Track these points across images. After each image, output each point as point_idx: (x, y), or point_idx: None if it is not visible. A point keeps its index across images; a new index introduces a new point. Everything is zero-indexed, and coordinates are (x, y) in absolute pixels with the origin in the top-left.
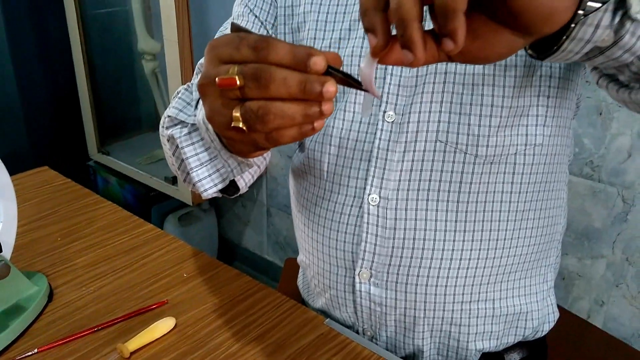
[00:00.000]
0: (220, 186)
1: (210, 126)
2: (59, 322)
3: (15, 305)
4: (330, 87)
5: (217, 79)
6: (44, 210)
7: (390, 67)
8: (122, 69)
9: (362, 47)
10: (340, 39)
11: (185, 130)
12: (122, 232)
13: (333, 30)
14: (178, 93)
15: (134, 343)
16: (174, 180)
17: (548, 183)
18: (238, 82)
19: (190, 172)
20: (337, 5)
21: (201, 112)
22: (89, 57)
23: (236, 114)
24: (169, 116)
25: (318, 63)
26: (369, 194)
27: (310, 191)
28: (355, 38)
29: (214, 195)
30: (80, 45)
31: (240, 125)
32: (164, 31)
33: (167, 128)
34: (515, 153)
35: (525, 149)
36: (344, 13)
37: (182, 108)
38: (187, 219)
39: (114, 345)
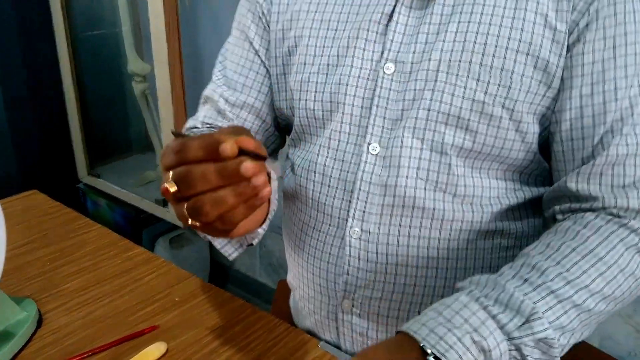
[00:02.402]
0: (241, 250)
1: None
2: (48, 348)
3: (4, 331)
4: (248, 165)
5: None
6: (32, 234)
7: (376, 99)
8: (111, 90)
9: (349, 75)
10: (328, 65)
11: None
12: (112, 256)
13: (322, 56)
14: None
15: None
16: (164, 203)
17: (530, 219)
18: (172, 189)
19: (211, 240)
20: (327, 29)
21: None
22: (79, 79)
23: (184, 213)
24: None
25: (227, 149)
26: (350, 227)
27: (298, 216)
28: (344, 65)
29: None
30: (70, 68)
31: (190, 222)
32: (154, 52)
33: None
34: (497, 196)
35: (506, 192)
36: (334, 38)
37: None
38: (178, 242)
39: None
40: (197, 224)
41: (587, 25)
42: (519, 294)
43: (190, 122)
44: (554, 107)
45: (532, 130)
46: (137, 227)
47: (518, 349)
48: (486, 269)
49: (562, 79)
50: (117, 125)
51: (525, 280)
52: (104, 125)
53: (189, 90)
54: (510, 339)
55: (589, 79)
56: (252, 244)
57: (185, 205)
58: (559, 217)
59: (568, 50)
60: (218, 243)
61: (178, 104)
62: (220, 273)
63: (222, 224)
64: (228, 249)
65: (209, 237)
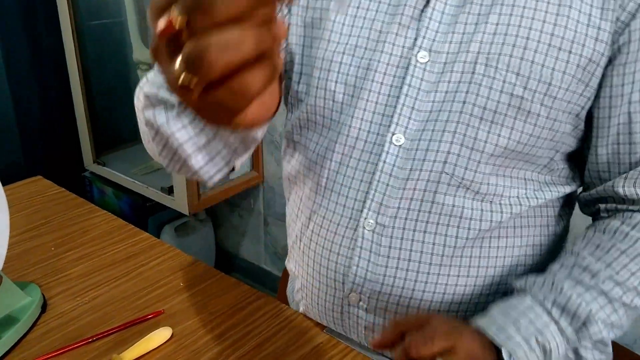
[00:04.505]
0: (225, 170)
1: None
2: (53, 333)
3: (8, 316)
4: None
5: (156, 31)
6: (37, 220)
7: (405, 87)
8: (117, 79)
9: (378, 61)
10: (356, 46)
11: (173, 113)
12: (117, 241)
13: (350, 36)
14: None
15: (130, 354)
16: (170, 190)
17: (549, 226)
18: (178, 22)
19: (188, 159)
20: (358, 8)
21: None
22: (84, 68)
23: (177, 68)
24: (146, 96)
25: None
26: (365, 218)
27: (305, 203)
28: (374, 50)
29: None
30: (75, 56)
31: (182, 80)
32: None
33: (146, 109)
34: (517, 196)
35: (526, 193)
36: (364, 18)
37: (161, 84)
38: (184, 230)
39: (110, 356)
40: (192, 85)
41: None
42: (576, 297)
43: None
44: (588, 106)
45: (563, 129)
46: (143, 215)
47: (576, 352)
48: (499, 267)
49: (609, 84)
50: (123, 113)
51: (579, 279)
52: (110, 113)
53: None
54: (568, 341)
55: (639, 86)
56: (234, 169)
57: (184, 50)
58: (604, 214)
59: (614, 51)
60: (199, 159)
61: None
62: (225, 261)
63: (231, 94)
64: (209, 168)
65: (190, 146)
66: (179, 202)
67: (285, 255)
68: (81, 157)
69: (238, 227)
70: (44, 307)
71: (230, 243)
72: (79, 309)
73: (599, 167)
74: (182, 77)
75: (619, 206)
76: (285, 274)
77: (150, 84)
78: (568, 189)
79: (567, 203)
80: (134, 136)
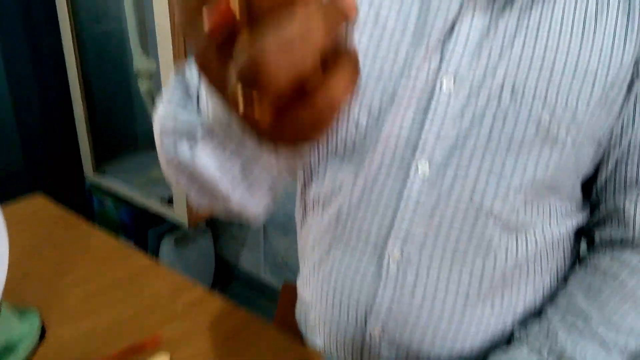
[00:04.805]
0: (271, 202)
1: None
2: None
3: (6, 344)
4: None
5: (205, 22)
6: (37, 240)
7: (430, 114)
8: (117, 88)
9: (402, 86)
10: (382, 69)
11: (200, 145)
12: (116, 263)
13: (374, 58)
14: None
15: None
16: (169, 201)
17: (565, 259)
18: (237, 5)
19: (229, 198)
20: (383, 29)
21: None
22: (85, 77)
23: (234, 82)
24: (163, 124)
25: None
26: (389, 249)
27: (324, 232)
28: (399, 74)
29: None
30: (76, 65)
31: (240, 101)
32: (160, 51)
33: (166, 145)
34: (542, 227)
35: (550, 223)
36: (390, 40)
37: (177, 102)
38: (183, 241)
39: None
40: (257, 103)
41: None
42: (570, 345)
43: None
44: (610, 135)
45: (587, 157)
46: (143, 225)
47: None
48: (522, 299)
49: (627, 107)
50: (123, 123)
51: (573, 324)
52: (110, 122)
53: None
54: None
55: None
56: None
57: (235, 56)
58: (598, 245)
59: (633, 77)
60: (244, 191)
61: None
62: (225, 272)
63: (316, 111)
64: (254, 205)
65: (235, 174)
66: (179, 213)
67: (285, 266)
68: (81, 167)
69: (237, 238)
70: (42, 333)
71: (230, 254)
72: (78, 335)
73: (602, 185)
74: (239, 96)
75: (613, 233)
76: (285, 290)
77: (166, 105)
78: (581, 219)
79: (579, 235)
80: (135, 145)
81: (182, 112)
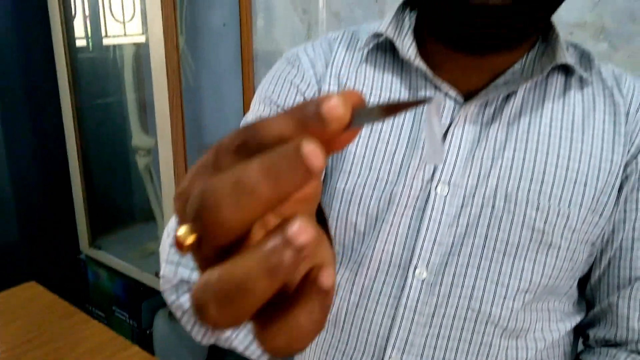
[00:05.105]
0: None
1: None
2: None
3: None
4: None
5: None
6: (29, 330)
7: (426, 220)
8: (115, 162)
9: (399, 194)
10: (378, 179)
11: None
12: (107, 356)
13: (371, 169)
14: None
15: None
16: None
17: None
18: (188, 240)
19: (231, 339)
20: (379, 140)
21: None
22: (84, 150)
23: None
24: (163, 277)
25: (338, 108)
26: (389, 357)
27: (323, 337)
28: (395, 183)
29: None
30: (75, 138)
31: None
32: (158, 128)
33: (171, 297)
34: (542, 330)
35: (549, 325)
36: (385, 151)
37: (178, 259)
38: None
39: None
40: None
41: None
42: None
43: None
44: (602, 237)
45: (582, 258)
46: (137, 298)
47: None
48: None
49: (621, 208)
50: (120, 197)
51: None
52: (107, 196)
53: (190, 165)
54: None
55: None
56: None
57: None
58: (592, 343)
59: (623, 180)
60: (244, 339)
61: (180, 178)
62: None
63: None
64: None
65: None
66: None
67: None
68: (77, 240)
69: None
70: None
71: None
72: None
73: (595, 284)
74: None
75: (607, 333)
76: None
77: (167, 264)
78: (578, 318)
79: (577, 335)
80: (131, 218)
81: (182, 269)
